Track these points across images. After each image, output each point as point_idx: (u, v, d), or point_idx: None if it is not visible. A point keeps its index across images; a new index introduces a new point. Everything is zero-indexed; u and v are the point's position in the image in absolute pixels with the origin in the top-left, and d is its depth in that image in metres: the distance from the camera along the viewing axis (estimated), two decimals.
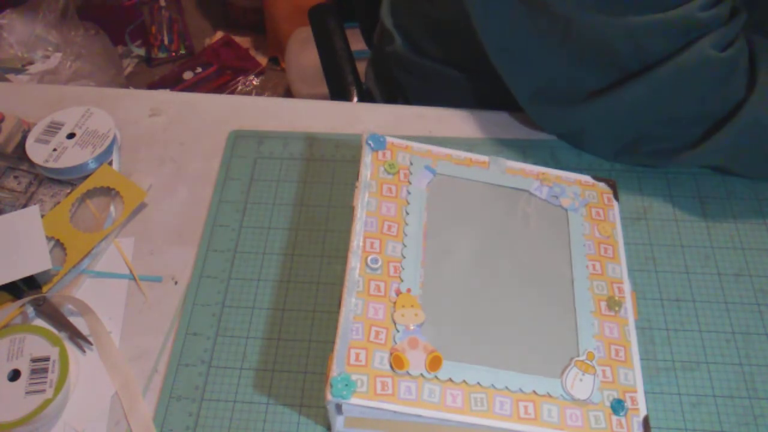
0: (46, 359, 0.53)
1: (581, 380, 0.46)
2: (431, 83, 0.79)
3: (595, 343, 0.48)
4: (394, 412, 0.43)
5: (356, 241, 0.49)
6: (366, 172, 0.53)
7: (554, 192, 0.55)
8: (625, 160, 0.65)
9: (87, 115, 0.68)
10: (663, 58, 0.54)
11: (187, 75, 1.77)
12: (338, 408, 0.45)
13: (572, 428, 0.44)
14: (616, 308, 0.50)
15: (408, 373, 0.44)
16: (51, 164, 0.63)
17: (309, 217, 0.63)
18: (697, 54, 0.53)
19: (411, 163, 0.54)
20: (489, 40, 0.61)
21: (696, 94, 0.56)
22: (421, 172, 0.54)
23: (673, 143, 0.61)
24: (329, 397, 0.43)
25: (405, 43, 0.79)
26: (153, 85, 1.75)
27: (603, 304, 0.50)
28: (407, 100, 0.84)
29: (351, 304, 0.47)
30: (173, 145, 0.69)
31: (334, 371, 0.44)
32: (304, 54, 1.57)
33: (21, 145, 0.66)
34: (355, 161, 0.65)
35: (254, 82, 1.78)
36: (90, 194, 0.64)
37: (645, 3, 0.52)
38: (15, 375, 0.52)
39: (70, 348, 0.55)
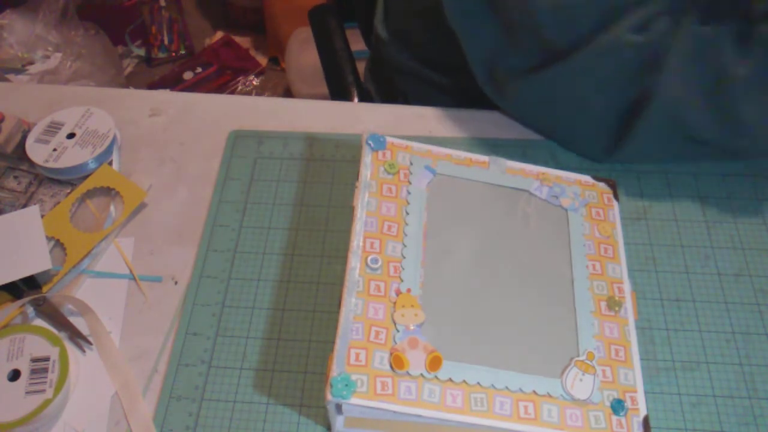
0: (46, 359, 0.53)
1: (581, 380, 0.46)
2: (426, 87, 0.79)
3: (595, 343, 0.48)
4: (394, 412, 0.43)
5: (356, 241, 0.49)
6: (366, 172, 0.53)
7: (554, 192, 0.55)
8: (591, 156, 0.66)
9: (87, 115, 0.68)
10: (582, 38, 0.54)
11: (187, 75, 1.77)
12: (338, 408, 0.45)
13: (572, 428, 0.44)
14: (616, 308, 0.50)
15: (408, 373, 0.44)
16: (51, 164, 0.63)
17: (309, 217, 0.63)
18: (613, 36, 0.52)
19: (411, 163, 0.54)
20: (448, 16, 0.62)
21: (611, 78, 0.55)
22: (421, 172, 0.54)
23: (598, 135, 0.61)
24: (329, 397, 0.43)
25: (396, 47, 0.80)
26: (153, 85, 1.75)
27: (603, 304, 0.50)
28: (406, 100, 0.84)
29: (351, 304, 0.47)
30: (173, 145, 0.69)
31: (334, 371, 0.44)
32: (304, 54, 1.57)
33: (21, 145, 0.66)
34: (355, 161, 0.65)
35: (254, 82, 1.78)
36: (90, 194, 0.64)
37: None
38: (15, 375, 0.52)
39: (70, 348, 0.55)
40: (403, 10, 0.79)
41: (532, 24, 0.55)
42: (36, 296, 0.57)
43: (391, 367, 0.44)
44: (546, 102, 0.61)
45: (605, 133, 0.60)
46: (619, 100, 0.57)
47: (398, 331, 0.46)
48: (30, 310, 0.57)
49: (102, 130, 0.66)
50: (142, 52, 1.81)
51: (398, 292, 0.48)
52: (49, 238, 0.60)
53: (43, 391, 0.51)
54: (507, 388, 0.45)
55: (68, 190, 0.65)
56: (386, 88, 0.90)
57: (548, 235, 0.53)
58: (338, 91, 0.93)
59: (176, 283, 0.59)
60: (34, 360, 0.53)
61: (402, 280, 0.48)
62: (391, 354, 0.45)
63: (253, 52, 1.84)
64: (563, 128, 0.64)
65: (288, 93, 1.70)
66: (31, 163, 0.64)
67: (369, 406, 0.43)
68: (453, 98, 0.77)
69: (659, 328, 0.56)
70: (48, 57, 1.46)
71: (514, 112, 0.67)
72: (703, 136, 0.57)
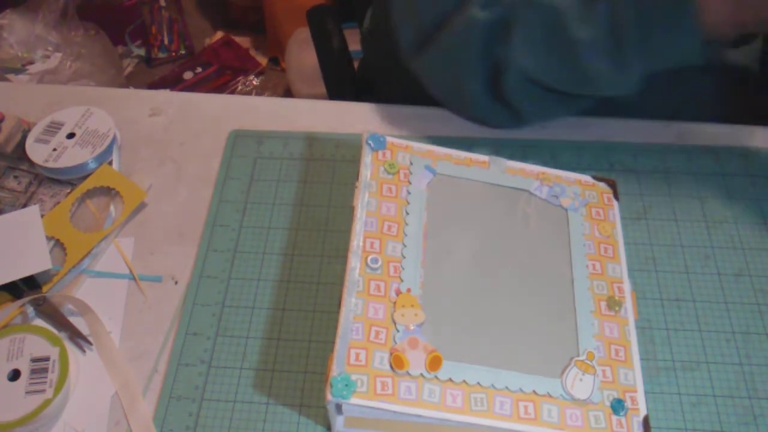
0: (46, 359, 0.53)
1: (581, 380, 0.46)
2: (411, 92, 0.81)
3: (595, 343, 0.48)
4: (394, 412, 0.43)
5: (356, 241, 0.49)
6: (366, 172, 0.53)
7: (554, 192, 0.55)
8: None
9: (87, 115, 0.68)
10: (445, 18, 0.58)
11: (187, 75, 1.77)
12: (338, 408, 0.45)
13: (572, 428, 0.44)
14: (616, 308, 0.50)
15: (408, 373, 0.44)
16: (51, 164, 0.63)
17: (309, 217, 0.63)
18: (466, 13, 0.56)
19: (411, 163, 0.54)
20: None
21: (470, 52, 0.58)
22: (421, 172, 0.54)
23: (483, 106, 0.64)
24: (329, 397, 0.43)
25: (380, 46, 0.81)
26: (153, 85, 1.75)
27: (603, 304, 0.50)
28: (391, 101, 0.85)
29: (351, 304, 0.47)
30: (173, 145, 0.69)
31: (334, 371, 0.44)
32: (304, 54, 1.57)
33: (21, 145, 0.66)
34: (355, 161, 0.65)
35: (254, 82, 1.78)
36: (90, 194, 0.64)
37: None
38: (15, 375, 0.52)
39: (70, 348, 0.55)
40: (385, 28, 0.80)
41: (409, 5, 0.59)
42: (36, 296, 0.57)
43: (391, 367, 0.44)
44: (431, 82, 0.65)
45: (487, 104, 0.63)
46: (482, 72, 0.60)
47: (398, 331, 0.46)
48: (30, 310, 0.57)
49: (102, 130, 0.66)
50: (142, 52, 1.81)
51: (398, 292, 0.48)
52: (49, 238, 0.60)
53: (43, 391, 0.51)
54: (507, 388, 0.45)
55: (68, 190, 0.65)
56: (375, 88, 0.90)
57: (548, 235, 0.53)
58: (335, 91, 0.93)
59: (176, 283, 0.59)
60: (34, 360, 0.53)
61: (402, 280, 0.48)
62: (391, 354, 0.45)
63: (253, 52, 1.84)
64: (456, 103, 0.67)
65: (288, 93, 1.70)
66: (31, 163, 0.64)
67: (369, 406, 0.43)
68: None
69: (659, 328, 0.56)
70: (48, 57, 1.46)
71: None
72: (565, 90, 0.61)
